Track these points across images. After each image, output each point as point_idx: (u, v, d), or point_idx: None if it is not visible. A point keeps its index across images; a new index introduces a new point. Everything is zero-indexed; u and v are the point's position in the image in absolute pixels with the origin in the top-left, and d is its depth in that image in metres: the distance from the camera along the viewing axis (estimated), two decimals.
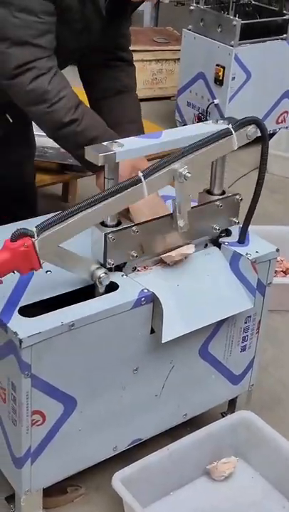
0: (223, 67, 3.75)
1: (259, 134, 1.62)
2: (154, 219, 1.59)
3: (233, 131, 1.56)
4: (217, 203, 1.68)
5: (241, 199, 1.71)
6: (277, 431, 1.87)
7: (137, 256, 1.56)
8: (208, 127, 1.60)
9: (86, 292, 1.53)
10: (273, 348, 2.35)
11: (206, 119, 3.88)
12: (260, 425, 1.83)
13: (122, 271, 1.59)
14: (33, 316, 1.42)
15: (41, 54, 1.68)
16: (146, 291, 1.53)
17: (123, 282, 1.55)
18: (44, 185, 2.44)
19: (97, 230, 1.52)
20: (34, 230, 1.37)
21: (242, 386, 1.88)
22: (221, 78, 3.76)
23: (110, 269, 1.57)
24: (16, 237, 1.35)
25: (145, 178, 1.45)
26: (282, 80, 3.94)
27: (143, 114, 2.08)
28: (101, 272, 1.49)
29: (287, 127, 4.08)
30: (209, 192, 1.71)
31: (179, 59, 4.30)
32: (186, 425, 1.84)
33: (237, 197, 1.70)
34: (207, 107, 3.88)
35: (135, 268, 1.61)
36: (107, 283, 1.50)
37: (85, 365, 1.50)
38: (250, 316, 1.77)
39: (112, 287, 1.54)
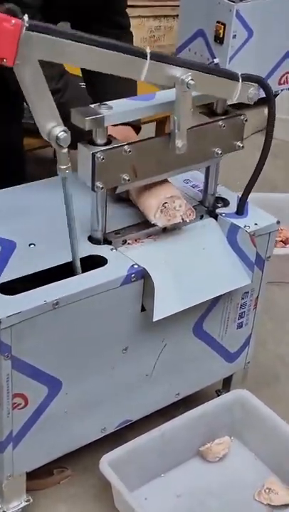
0: (224, 25, 3.57)
1: (260, 96, 1.51)
2: (150, 138, 1.45)
3: (240, 80, 1.44)
4: (220, 123, 1.52)
5: (246, 120, 1.56)
6: (275, 409, 1.79)
7: (129, 180, 1.41)
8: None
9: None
10: (272, 323, 2.26)
11: None
12: (256, 404, 1.74)
13: (111, 244, 1.49)
14: (15, 294, 1.32)
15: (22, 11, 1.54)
16: (136, 266, 1.43)
17: (112, 257, 1.44)
18: (33, 149, 2.31)
19: (84, 148, 1.37)
20: (26, 18, 1.16)
21: (238, 364, 1.79)
22: (221, 36, 3.60)
23: (99, 243, 1.47)
24: (6, 11, 1.14)
25: (151, 57, 1.30)
26: (285, 38, 3.77)
27: None
28: (59, 130, 1.24)
29: None
30: (211, 111, 1.55)
31: (178, 15, 4.12)
32: (179, 404, 1.75)
33: (242, 117, 1.55)
34: None
35: (125, 241, 1.51)
36: (68, 143, 1.26)
37: (70, 346, 1.40)
38: (247, 292, 1.67)
39: (100, 262, 1.43)
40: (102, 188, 1.39)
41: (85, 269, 1.41)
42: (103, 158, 1.36)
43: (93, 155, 1.36)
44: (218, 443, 1.74)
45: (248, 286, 1.64)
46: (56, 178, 1.35)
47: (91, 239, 1.49)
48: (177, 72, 1.34)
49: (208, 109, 1.55)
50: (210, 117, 1.53)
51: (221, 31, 3.58)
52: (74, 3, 1.72)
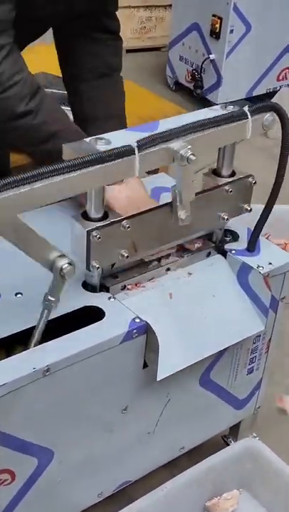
0: (221, 18, 3.39)
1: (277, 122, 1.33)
2: (150, 210, 1.29)
3: (250, 115, 1.26)
4: (226, 187, 1.37)
5: (255, 182, 1.41)
6: (287, 455, 1.65)
7: (127, 256, 1.26)
8: (215, 114, 1.30)
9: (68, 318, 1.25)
10: (278, 351, 2.09)
11: (201, 76, 3.56)
12: (267, 455, 1.58)
13: (108, 291, 1.31)
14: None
15: None
16: (138, 320, 1.25)
17: (110, 308, 1.27)
18: (19, 166, 2.12)
19: (78, 224, 1.21)
20: None
21: (247, 410, 1.63)
22: (217, 30, 3.41)
23: (95, 290, 1.30)
24: None
25: (139, 149, 1.14)
26: (284, 32, 3.59)
27: (130, 67, 1.77)
28: (64, 262, 1.13)
29: (288, 85, 3.75)
30: (216, 173, 1.40)
31: (170, 5, 3.93)
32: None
33: (250, 179, 1.40)
34: (202, 63, 3.53)
35: (125, 287, 1.33)
36: (72, 276, 1.15)
37: (63, 412, 1.23)
38: (259, 336, 1.51)
39: (97, 314, 1.26)
40: (98, 267, 1.24)
41: (79, 323, 1.24)
42: (99, 237, 1.20)
43: (88, 233, 1.20)
44: (226, 498, 1.59)
45: (261, 331, 1.47)
46: (46, 208, 1.18)
47: (86, 285, 1.31)
48: (174, 145, 1.17)
49: (213, 170, 1.41)
50: (215, 180, 1.39)
51: (218, 25, 3.40)
52: (63, 10, 1.53)
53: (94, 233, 1.20)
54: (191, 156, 1.18)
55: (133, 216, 1.26)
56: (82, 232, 1.21)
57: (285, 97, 3.52)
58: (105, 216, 1.23)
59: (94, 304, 1.28)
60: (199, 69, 3.56)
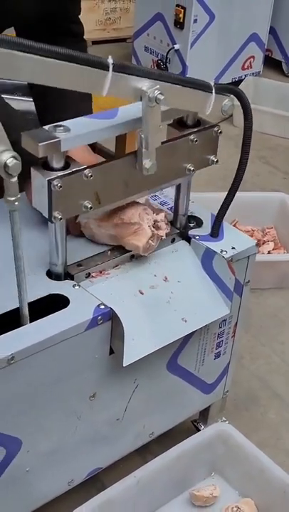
0: (184, 8, 3.40)
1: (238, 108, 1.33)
2: (114, 158, 1.27)
3: (214, 90, 1.26)
4: (191, 137, 1.34)
5: (220, 132, 1.39)
6: (257, 438, 1.67)
7: (91, 207, 1.23)
8: None
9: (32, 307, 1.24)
10: (247, 335, 2.12)
11: (166, 66, 3.56)
12: (238, 439, 1.59)
13: (73, 278, 1.31)
14: None
15: None
16: (102, 307, 1.26)
17: (74, 295, 1.27)
18: None
19: (39, 174, 1.18)
20: None
21: (216, 394, 1.64)
22: (181, 20, 3.42)
23: (59, 278, 1.30)
24: None
25: (114, 68, 1.09)
26: (248, 21, 3.61)
27: None
28: (8, 156, 1.04)
29: (254, 74, 3.77)
30: (181, 123, 1.38)
31: None
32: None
33: (216, 129, 1.38)
34: (167, 53, 3.54)
35: (89, 274, 1.33)
36: (18, 172, 1.06)
37: (29, 401, 1.23)
38: (225, 320, 1.52)
39: (62, 302, 1.26)
40: (61, 218, 1.21)
41: (44, 311, 1.24)
42: (61, 186, 1.18)
43: (49, 182, 1.17)
44: (210, 488, 1.59)
45: (226, 315, 1.48)
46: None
47: (50, 274, 1.31)
48: (144, 84, 1.15)
49: (178, 120, 1.38)
50: (180, 130, 1.36)
51: (181, 15, 3.41)
52: (11, 14, 1.51)
53: (55, 182, 1.17)
54: (160, 96, 1.15)
55: (96, 165, 1.23)
56: (42, 181, 1.17)
57: (251, 85, 3.55)
58: (67, 166, 1.20)
59: (58, 292, 1.27)
60: (164, 59, 3.56)
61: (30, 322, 1.21)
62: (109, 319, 1.26)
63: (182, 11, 3.39)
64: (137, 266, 1.38)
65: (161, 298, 1.36)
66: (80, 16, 1.69)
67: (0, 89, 2.16)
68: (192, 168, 1.37)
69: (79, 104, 1.53)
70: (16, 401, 1.20)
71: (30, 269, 1.30)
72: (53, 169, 1.19)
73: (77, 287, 1.29)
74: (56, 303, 1.26)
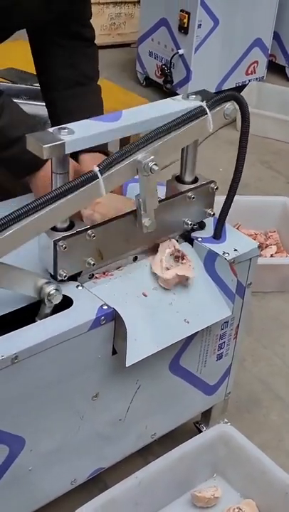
0: (188, 13, 3.41)
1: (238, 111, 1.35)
2: (114, 218, 1.32)
3: (208, 110, 1.28)
4: (189, 193, 1.41)
5: (216, 188, 1.45)
6: (258, 440, 1.68)
7: (94, 264, 1.29)
8: (178, 104, 1.32)
9: (32, 309, 1.26)
10: (249, 338, 2.13)
11: (170, 71, 3.58)
12: (240, 441, 1.60)
13: (76, 280, 1.32)
14: None
15: None
16: (106, 307, 1.27)
17: (78, 296, 1.28)
18: None
19: (45, 235, 1.24)
20: None
21: (218, 396, 1.66)
22: (185, 26, 3.43)
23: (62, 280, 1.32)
24: None
25: (102, 173, 1.17)
26: (252, 27, 3.62)
27: (100, 64, 1.76)
28: (51, 288, 1.21)
29: (257, 79, 3.79)
30: (179, 179, 1.44)
31: (139, 1, 3.94)
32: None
33: (212, 185, 1.44)
34: (171, 58, 3.55)
35: (93, 275, 1.35)
36: (59, 301, 1.23)
37: (32, 400, 1.24)
38: (227, 322, 1.53)
39: (65, 302, 1.27)
40: (66, 275, 1.27)
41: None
42: (65, 247, 1.23)
43: (55, 243, 1.23)
44: (212, 490, 1.60)
45: (228, 316, 1.49)
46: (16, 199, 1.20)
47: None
48: (138, 156, 1.20)
49: (176, 177, 1.44)
50: (178, 186, 1.42)
51: (186, 20, 3.42)
52: (19, 24, 1.53)
53: (60, 243, 1.23)
54: (154, 167, 1.21)
55: (98, 225, 1.29)
56: (48, 242, 1.24)
57: (254, 91, 3.57)
58: (71, 226, 1.26)
59: (62, 293, 1.29)
60: (168, 64, 3.58)
61: (34, 322, 1.22)
62: (112, 320, 1.28)
63: (186, 16, 3.41)
64: (140, 267, 1.40)
65: (163, 299, 1.37)
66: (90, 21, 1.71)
67: (6, 92, 2.18)
68: (190, 222, 1.43)
69: (91, 111, 1.55)
70: (19, 400, 1.21)
71: (34, 270, 1.31)
72: (57, 230, 1.24)
73: (80, 288, 1.30)
74: (60, 303, 1.27)
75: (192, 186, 1.42)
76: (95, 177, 1.16)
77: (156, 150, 1.22)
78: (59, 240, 1.23)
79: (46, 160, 1.23)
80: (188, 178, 1.43)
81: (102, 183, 1.17)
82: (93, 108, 1.57)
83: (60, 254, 1.24)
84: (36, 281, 1.22)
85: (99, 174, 1.16)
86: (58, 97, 1.61)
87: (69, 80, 1.61)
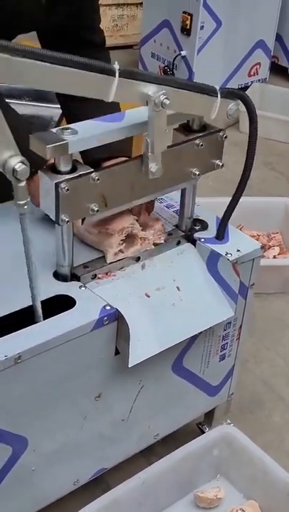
0: (191, 15, 3.42)
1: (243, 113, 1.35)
2: (120, 162, 1.29)
3: (219, 95, 1.27)
4: (197, 141, 1.36)
5: (226, 136, 1.40)
6: (261, 441, 1.67)
7: (98, 210, 1.25)
8: None
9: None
10: (251, 339, 2.13)
11: (173, 73, 3.58)
12: (243, 442, 1.60)
13: (79, 280, 1.33)
14: None
15: None
16: (108, 308, 1.27)
17: (81, 296, 1.28)
18: None
19: (46, 177, 1.20)
20: None
21: (220, 397, 1.66)
22: (188, 27, 3.43)
23: (66, 279, 1.32)
24: None
25: (120, 74, 1.10)
26: (255, 28, 3.62)
27: None
28: (16, 161, 1.06)
29: (260, 80, 3.79)
30: (187, 128, 1.39)
31: (141, 3, 3.95)
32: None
33: (221, 134, 1.39)
34: (173, 59, 3.56)
35: (95, 276, 1.35)
36: (27, 176, 1.08)
37: (36, 400, 1.24)
38: (230, 323, 1.53)
39: (68, 303, 1.27)
40: (68, 221, 1.23)
41: (50, 311, 1.25)
42: (68, 189, 1.19)
43: (56, 185, 1.19)
44: (212, 487, 1.60)
45: (231, 317, 1.49)
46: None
47: (57, 275, 1.33)
48: (149, 89, 1.17)
49: (184, 125, 1.39)
50: (185, 135, 1.37)
51: (188, 22, 3.42)
52: (18, 32, 1.53)
53: (62, 185, 1.18)
54: (166, 100, 1.16)
55: (102, 169, 1.25)
56: (50, 184, 1.19)
57: (257, 92, 3.57)
58: (74, 169, 1.22)
59: (65, 293, 1.29)
60: (171, 65, 3.58)
61: (35, 323, 1.22)
62: (115, 320, 1.28)
63: (189, 17, 3.41)
64: (143, 268, 1.40)
65: (166, 299, 1.37)
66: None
67: (7, 93, 2.19)
68: (197, 173, 1.39)
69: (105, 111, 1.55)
70: (22, 400, 1.22)
71: (39, 263, 1.31)
72: (60, 172, 1.21)
73: (83, 288, 1.31)
74: (63, 303, 1.27)
75: (200, 134, 1.37)
76: (112, 72, 1.10)
77: (169, 94, 1.18)
78: (61, 182, 1.18)
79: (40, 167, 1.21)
80: (196, 126, 1.38)
81: (116, 84, 1.11)
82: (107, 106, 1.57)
83: (62, 197, 1.19)
84: (2, 152, 1.07)
85: (117, 73, 1.10)
86: (73, 107, 1.60)
87: None
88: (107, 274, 1.36)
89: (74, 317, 1.24)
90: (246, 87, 3.64)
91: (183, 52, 3.51)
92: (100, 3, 3.30)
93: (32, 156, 1.13)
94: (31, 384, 1.21)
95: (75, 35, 1.60)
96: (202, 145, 1.37)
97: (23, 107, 2.21)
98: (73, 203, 1.22)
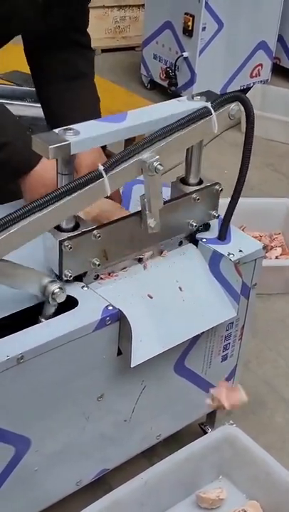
0: (193, 16, 3.42)
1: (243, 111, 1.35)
2: (120, 219, 1.32)
3: (213, 111, 1.28)
4: (194, 195, 1.41)
5: (221, 190, 1.45)
6: (264, 441, 1.67)
7: (99, 264, 1.30)
8: (182, 105, 1.32)
9: (36, 310, 1.26)
10: (254, 340, 2.13)
11: (175, 74, 3.59)
12: (246, 443, 1.60)
13: (81, 280, 1.33)
14: None
15: None
16: (111, 308, 1.27)
17: (83, 296, 1.29)
18: None
19: (50, 235, 1.25)
20: None
21: None
22: (190, 28, 3.44)
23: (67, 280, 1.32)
24: None
25: (106, 172, 1.17)
26: (256, 29, 3.63)
27: (105, 67, 1.77)
28: (55, 287, 1.22)
29: (262, 81, 3.79)
30: (184, 181, 1.44)
31: (143, 5, 3.95)
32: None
33: (216, 187, 1.44)
34: (175, 61, 3.56)
35: (98, 276, 1.35)
36: (63, 300, 1.23)
37: (38, 400, 1.24)
38: (232, 323, 1.53)
39: (70, 303, 1.28)
40: (71, 276, 1.27)
41: (54, 313, 1.26)
42: (71, 247, 1.24)
43: (60, 243, 1.23)
44: (217, 491, 1.60)
45: (233, 317, 1.49)
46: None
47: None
48: (143, 156, 1.20)
49: (181, 178, 1.45)
50: (182, 188, 1.42)
51: (190, 23, 3.43)
52: (17, 33, 1.54)
53: (65, 243, 1.23)
54: (159, 166, 1.21)
55: (103, 225, 1.29)
56: (54, 242, 1.24)
57: (258, 93, 3.57)
58: (76, 226, 1.26)
59: (67, 293, 1.29)
60: (173, 67, 3.59)
61: (39, 323, 1.23)
62: (117, 320, 1.28)
63: (191, 19, 3.41)
64: (147, 269, 1.40)
65: (168, 300, 1.37)
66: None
67: (10, 95, 2.19)
68: (194, 224, 1.43)
69: (86, 109, 1.55)
70: (24, 400, 1.22)
71: (39, 269, 1.32)
72: (63, 230, 1.24)
73: (86, 288, 1.31)
74: (65, 304, 1.27)
75: (197, 188, 1.42)
76: (99, 176, 1.16)
77: (161, 150, 1.22)
78: (64, 240, 1.23)
79: (33, 165, 1.23)
80: (193, 179, 1.44)
81: (107, 182, 1.16)
82: (89, 101, 1.58)
83: (65, 254, 1.24)
84: (41, 279, 1.22)
85: (104, 173, 1.16)
86: (53, 91, 1.61)
87: (65, 75, 1.61)
88: (109, 274, 1.36)
89: (76, 317, 1.24)
90: (248, 89, 3.65)
91: (185, 54, 3.51)
92: (102, 5, 3.30)
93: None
94: (34, 384, 1.21)
95: (64, 36, 1.61)
96: (199, 199, 1.41)
97: (25, 109, 2.22)
98: (76, 258, 1.26)
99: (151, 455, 1.66)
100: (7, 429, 1.22)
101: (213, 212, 1.46)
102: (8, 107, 1.46)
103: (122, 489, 1.47)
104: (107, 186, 1.17)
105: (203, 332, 1.45)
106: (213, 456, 1.61)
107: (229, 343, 1.57)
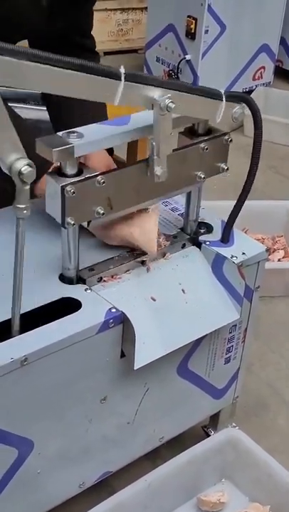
0: (195, 19, 3.43)
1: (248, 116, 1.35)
2: (125, 165, 1.30)
3: (224, 98, 1.28)
4: (202, 145, 1.36)
5: (231, 140, 1.41)
6: (266, 444, 1.67)
7: (103, 213, 1.25)
8: None
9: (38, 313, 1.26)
10: (257, 342, 2.13)
11: (178, 77, 3.59)
12: (248, 445, 1.60)
13: (85, 283, 1.33)
14: None
15: None
16: (114, 310, 1.27)
17: (86, 299, 1.29)
18: None
19: (52, 180, 1.20)
20: None
21: (225, 400, 1.65)
22: (192, 31, 3.45)
23: (72, 282, 1.32)
24: None
25: (126, 78, 1.11)
26: (259, 32, 3.64)
27: None
28: (22, 164, 1.06)
29: (264, 84, 3.80)
30: (192, 131, 1.39)
31: (146, 8, 3.96)
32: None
33: (226, 137, 1.40)
34: (178, 63, 3.57)
35: (101, 278, 1.35)
36: (33, 179, 1.08)
37: (41, 402, 1.24)
38: (235, 325, 1.53)
39: (74, 305, 1.28)
40: (74, 224, 1.23)
41: (56, 314, 1.26)
42: (74, 192, 1.20)
43: (62, 188, 1.19)
44: (216, 491, 1.60)
45: (236, 320, 1.49)
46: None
47: (63, 278, 1.33)
48: (155, 93, 1.17)
49: (189, 128, 1.39)
50: (191, 138, 1.38)
51: (193, 26, 3.44)
52: (20, 37, 1.54)
53: (68, 188, 1.18)
54: (171, 104, 1.17)
55: (108, 172, 1.26)
56: (56, 187, 1.19)
57: (261, 96, 3.57)
58: (80, 172, 1.22)
59: (71, 296, 1.29)
60: (176, 69, 3.59)
61: (43, 325, 1.23)
62: (120, 323, 1.28)
63: (194, 22, 3.42)
64: (150, 272, 1.40)
65: (171, 302, 1.37)
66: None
67: (13, 97, 2.19)
68: (202, 176, 1.39)
69: (92, 114, 1.54)
70: (28, 402, 1.22)
71: (43, 273, 1.33)
72: (66, 175, 1.21)
73: (89, 291, 1.31)
74: (68, 306, 1.28)
75: (206, 138, 1.38)
76: (118, 76, 1.10)
77: (174, 97, 1.18)
78: (67, 184, 1.19)
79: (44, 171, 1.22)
80: (201, 129, 1.38)
81: (121, 88, 1.11)
82: (98, 105, 1.57)
83: (68, 200, 1.19)
84: (9, 153, 1.06)
85: (123, 77, 1.11)
86: (63, 102, 1.61)
87: None
88: (112, 277, 1.37)
89: (80, 320, 1.25)
90: (250, 91, 3.65)
91: (188, 57, 3.52)
92: (105, 7, 3.30)
93: (35, 160, 1.13)
94: (37, 386, 1.21)
95: (68, 39, 1.61)
96: (207, 149, 1.37)
97: (29, 111, 2.22)
98: (79, 205, 1.22)
99: (154, 457, 1.65)
100: (10, 431, 1.22)
101: (222, 165, 1.41)
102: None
103: (125, 492, 1.47)
104: (120, 92, 1.11)
105: (207, 334, 1.45)
106: (216, 458, 1.61)
107: (232, 346, 1.57)
